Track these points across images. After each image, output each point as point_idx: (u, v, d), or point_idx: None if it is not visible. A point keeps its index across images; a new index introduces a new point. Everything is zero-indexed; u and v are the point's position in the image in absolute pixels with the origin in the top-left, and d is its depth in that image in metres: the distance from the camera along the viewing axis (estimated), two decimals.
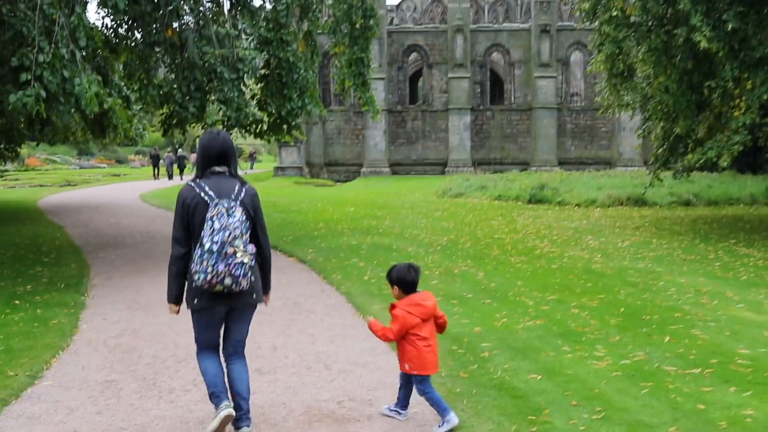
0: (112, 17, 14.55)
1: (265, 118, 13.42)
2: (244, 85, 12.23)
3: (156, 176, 46.64)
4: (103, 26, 15.92)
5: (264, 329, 7.62)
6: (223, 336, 4.93)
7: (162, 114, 14.76)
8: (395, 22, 50.83)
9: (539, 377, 5.91)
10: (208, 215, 4.54)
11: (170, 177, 46.71)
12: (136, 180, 44.21)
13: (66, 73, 8.91)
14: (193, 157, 51.86)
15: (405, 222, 17.62)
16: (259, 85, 14.36)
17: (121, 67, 18.61)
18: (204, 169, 4.79)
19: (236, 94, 11.88)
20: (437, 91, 50.93)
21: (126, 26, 13.41)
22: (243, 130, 13.72)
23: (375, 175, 48.06)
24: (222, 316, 4.80)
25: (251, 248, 4.63)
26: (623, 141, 49.46)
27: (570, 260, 12.03)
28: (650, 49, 14.54)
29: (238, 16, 13.19)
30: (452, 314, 8.10)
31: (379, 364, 6.41)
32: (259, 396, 5.56)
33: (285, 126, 14.06)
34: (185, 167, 47.99)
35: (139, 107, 19.31)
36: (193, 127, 14.02)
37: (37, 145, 23.38)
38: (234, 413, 4.69)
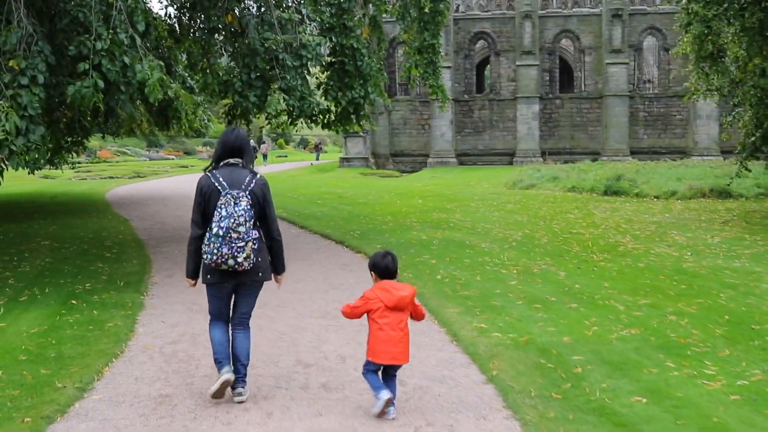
0: (175, 6, 14.27)
1: (332, 108, 12.79)
2: (308, 73, 11.62)
3: None
4: (166, 15, 15.67)
5: (330, 336, 7.04)
6: (232, 309, 5.51)
7: (226, 105, 14.35)
8: (461, 10, 49.76)
9: (644, 400, 5.15)
10: (218, 203, 5.15)
11: None
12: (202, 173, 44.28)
13: (126, 60, 8.41)
14: (264, 147, 52.00)
15: (476, 215, 16.88)
16: (325, 73, 13.82)
17: (184, 57, 18.40)
18: (220, 160, 5.39)
19: (299, 82, 11.30)
20: (505, 79, 49.80)
21: (188, 14, 13.01)
22: (309, 121, 13.15)
23: (441, 165, 47.29)
24: (230, 291, 5.41)
25: (254, 234, 5.21)
26: (699, 129, 47.63)
27: (657, 258, 11.14)
28: (743, 29, 13.46)
29: (301, 1, 12.62)
30: (536, 320, 7.39)
31: (458, 380, 5.75)
32: (325, 419, 4.96)
33: (353, 116, 13.46)
34: (255, 158, 48.16)
35: (201, 98, 19.11)
36: (258, 117, 13.52)
37: (103, 137, 23.28)
38: (233, 377, 5.26)
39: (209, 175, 5.33)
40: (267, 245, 5.45)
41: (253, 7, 11.50)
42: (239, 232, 5.08)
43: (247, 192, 5.21)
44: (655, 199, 20.71)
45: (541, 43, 48.76)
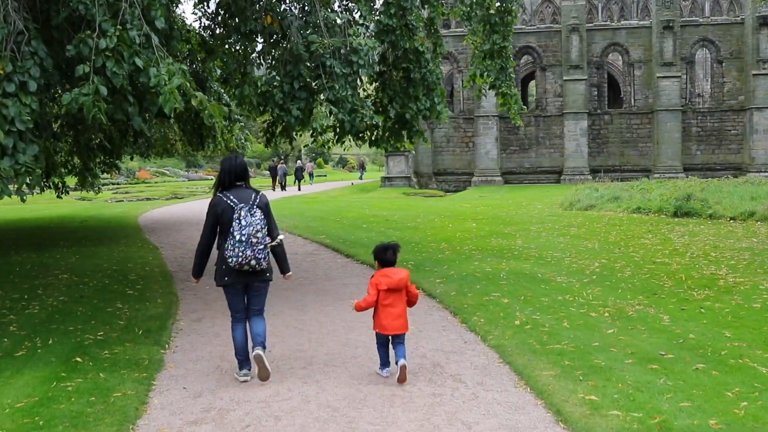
0: (208, 12, 12.93)
1: (380, 122, 11.20)
2: (360, 81, 10.08)
3: (276, 187, 45.82)
4: (200, 28, 14.39)
5: (397, 413, 5.42)
6: (246, 308, 6.50)
7: (264, 122, 12.93)
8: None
9: None
10: (235, 215, 6.12)
11: (283, 188, 45.89)
12: None
13: (139, 62, 6.90)
14: (310, 166, 50.53)
15: (539, 241, 15.19)
16: (373, 84, 12.31)
17: (218, 71, 17.03)
18: (227, 183, 6.35)
19: (349, 92, 9.77)
20: (551, 94, 48.07)
21: (222, 19, 11.62)
22: (356, 138, 11.64)
23: (486, 184, 45.62)
24: (243, 289, 6.40)
25: (268, 239, 6.22)
26: (756, 144, 45.41)
27: None
28: None
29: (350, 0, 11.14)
30: (660, 390, 5.70)
31: None
32: None
33: (405, 131, 11.94)
34: (302, 178, 47.15)
35: (238, 112, 17.70)
36: (300, 135, 12.03)
37: (131, 158, 22.07)
38: (248, 378, 6.29)
39: (221, 195, 6.29)
40: (271, 250, 6.37)
41: (295, 7, 9.96)
42: (258, 237, 6.12)
43: (256, 205, 6.26)
44: (731, 221, 18.80)
45: (588, 57, 47.00)
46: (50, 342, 7.59)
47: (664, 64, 45.90)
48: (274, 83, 9.84)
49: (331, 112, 9.82)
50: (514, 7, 12.65)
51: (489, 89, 14.14)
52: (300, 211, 25.19)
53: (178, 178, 68.87)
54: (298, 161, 55.38)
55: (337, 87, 9.62)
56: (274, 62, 10.33)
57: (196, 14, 15.86)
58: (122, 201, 40.52)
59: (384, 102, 12.00)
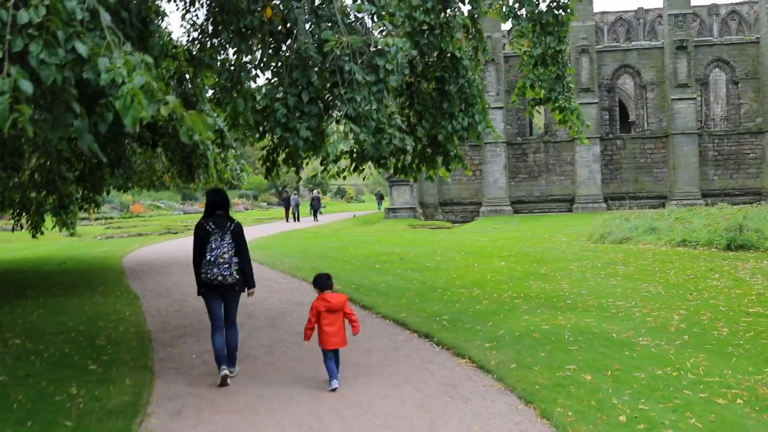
0: (198, 25, 10.80)
1: (408, 145, 8.76)
2: (387, 91, 7.76)
3: (290, 218, 45.00)
4: (188, 41, 12.27)
5: None
6: (223, 314, 7.74)
7: (264, 148, 10.65)
8: (507, 49, 46.09)
9: None
10: (211, 239, 7.45)
11: (296, 219, 44.98)
12: None
13: (81, 48, 4.62)
14: (318, 199, 49.04)
15: (588, 284, 12.84)
16: (397, 99, 10.06)
17: (209, 92, 14.87)
18: (210, 212, 7.65)
19: (374, 106, 7.48)
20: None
21: (212, 21, 9.38)
22: (378, 165, 9.36)
23: (495, 214, 43.33)
24: (219, 299, 7.67)
25: (235, 260, 7.51)
26: None
27: None
28: None
29: None
30: None
31: None
32: None
33: (440, 156, 9.68)
34: (319, 208, 45.94)
35: (231, 136, 15.49)
36: (308, 162, 9.76)
37: (108, 193, 19.73)
38: (228, 373, 7.53)
39: (203, 221, 7.61)
40: (241, 268, 7.65)
41: None
42: (224, 258, 7.42)
43: (228, 232, 7.55)
44: None
45: (599, 80, 44.93)
46: None
47: (678, 85, 43.90)
48: (277, 95, 7.52)
49: (351, 132, 7.47)
50: (569, 2, 10.42)
51: (543, 104, 11.91)
52: (302, 248, 22.82)
53: (173, 212, 66.61)
54: (314, 191, 53.64)
55: (358, 99, 7.31)
56: (276, 68, 8.01)
57: (184, 27, 13.60)
58: (112, 237, 38.23)
59: (412, 120, 9.75)
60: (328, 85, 7.51)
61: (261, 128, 7.91)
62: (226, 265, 7.38)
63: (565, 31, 10.63)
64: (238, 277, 7.52)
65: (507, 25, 47.84)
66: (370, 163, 9.28)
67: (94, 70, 4.75)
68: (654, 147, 45.61)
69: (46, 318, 11.47)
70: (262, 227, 38.81)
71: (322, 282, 7.40)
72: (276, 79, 7.91)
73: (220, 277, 7.37)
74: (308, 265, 17.50)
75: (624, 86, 55.17)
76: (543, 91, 11.30)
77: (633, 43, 48.85)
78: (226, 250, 7.38)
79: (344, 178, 9.85)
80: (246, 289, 7.78)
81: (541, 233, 26.28)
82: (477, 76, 9.53)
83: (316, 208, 46.36)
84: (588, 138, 43.24)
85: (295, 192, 57.49)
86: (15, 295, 14.28)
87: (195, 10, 13.81)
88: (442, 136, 9.38)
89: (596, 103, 44.17)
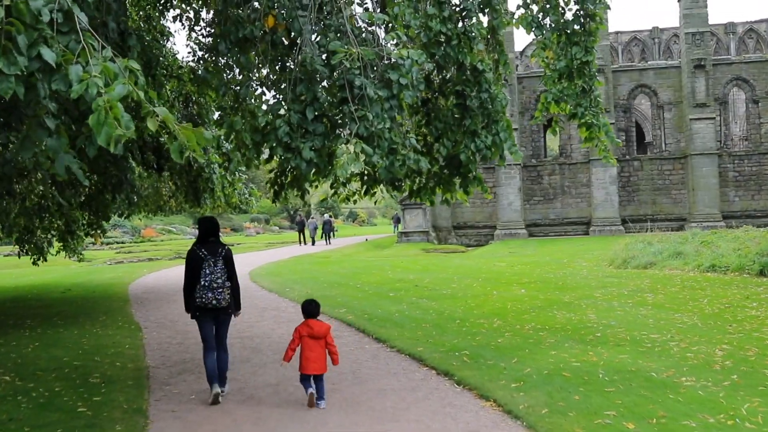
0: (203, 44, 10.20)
1: (423, 167, 8.01)
2: (401, 108, 7.07)
3: (304, 241, 45.27)
4: (194, 60, 11.76)
5: None
6: (214, 336, 8.05)
7: (271, 171, 9.99)
8: (519, 70, 45.46)
9: None
10: (203, 265, 7.76)
11: (313, 243, 44.98)
12: (250, 251, 40.23)
13: (47, 54, 3.89)
14: (331, 222, 48.81)
15: (617, 314, 12.04)
16: (412, 117, 9.39)
17: (216, 114, 14.29)
18: (203, 239, 7.99)
19: (388, 125, 6.79)
20: (576, 140, 45.14)
21: (213, 32, 8.74)
22: (391, 188, 8.68)
23: (510, 237, 42.49)
24: (212, 322, 7.98)
25: (227, 284, 7.86)
26: None
27: None
28: None
29: None
30: None
31: None
32: None
33: (458, 178, 8.97)
34: (333, 232, 45.82)
35: (237, 162, 14.86)
36: (316, 186, 9.07)
37: (107, 220, 19.10)
38: (220, 390, 7.83)
39: (196, 248, 7.92)
40: (231, 292, 7.99)
41: (309, 4, 6.90)
42: (218, 283, 7.77)
43: (220, 258, 7.86)
44: None
45: (615, 100, 44.21)
46: None
47: (696, 105, 43.13)
48: (279, 111, 6.83)
49: (362, 153, 6.74)
50: (598, 10, 9.71)
51: (568, 120, 11.20)
52: (313, 274, 22.08)
53: (184, 236, 66.20)
54: (324, 215, 53.35)
55: (370, 117, 6.62)
56: (278, 82, 7.33)
57: (188, 46, 12.98)
58: (122, 262, 37.75)
59: (429, 139, 9.06)
60: (336, 101, 6.81)
61: (262, 149, 7.22)
62: (220, 290, 7.76)
63: (593, 41, 9.91)
64: (229, 301, 7.92)
65: (519, 46, 47.28)
66: (382, 186, 8.62)
67: (64, 81, 4.08)
68: (672, 168, 44.76)
69: (40, 352, 10.78)
70: (273, 252, 38.17)
71: (310, 309, 7.67)
72: (278, 94, 7.22)
73: (214, 301, 7.75)
74: (319, 293, 16.78)
75: (639, 106, 54.47)
76: (569, 106, 10.57)
77: (649, 62, 48.17)
78: (219, 275, 7.76)
79: (354, 202, 9.16)
80: (234, 311, 8.15)
81: (560, 258, 25.47)
82: (500, 91, 8.83)
83: (328, 231, 45.96)
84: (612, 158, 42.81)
85: (312, 217, 57.26)
86: (13, 326, 13.63)
87: (200, 29, 13.30)
88: (464, 156, 8.65)
89: (613, 123, 43.31)
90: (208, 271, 7.69)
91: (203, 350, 7.99)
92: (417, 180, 9.16)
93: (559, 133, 45.76)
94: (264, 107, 7.07)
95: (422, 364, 9.18)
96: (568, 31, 9.73)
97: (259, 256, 33.81)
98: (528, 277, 18.53)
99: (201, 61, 10.59)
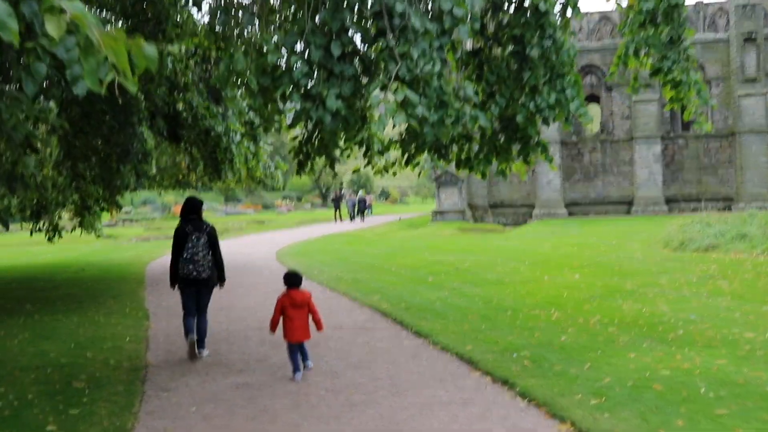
0: None
1: (484, 124, 6.37)
2: (453, 48, 5.45)
3: (340, 218, 44.54)
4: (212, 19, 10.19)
5: None
6: (196, 304, 8.64)
7: (295, 138, 8.48)
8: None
9: None
10: (188, 239, 8.36)
11: (351, 218, 44.66)
12: (281, 228, 38.85)
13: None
14: (369, 198, 47.60)
15: (692, 306, 10.37)
16: (461, 70, 7.78)
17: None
18: (187, 215, 8.58)
19: (438, 68, 5.20)
20: (618, 117, 43.24)
21: None
22: (438, 156, 7.10)
23: (549, 217, 40.71)
24: (194, 293, 8.59)
25: (208, 258, 8.44)
26: None
27: None
28: None
29: None
30: None
31: None
32: None
33: (518, 144, 7.36)
34: (365, 210, 46.23)
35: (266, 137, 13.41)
36: (348, 155, 7.52)
37: (119, 194, 17.69)
38: (195, 339, 8.53)
39: (182, 224, 8.51)
40: (215, 265, 8.58)
41: None
42: (199, 257, 8.36)
43: (203, 234, 8.45)
44: None
45: None
46: None
47: (746, 80, 40.92)
48: (295, 47, 5.22)
49: (401, 107, 5.11)
50: None
51: (651, 76, 9.53)
52: (344, 255, 20.56)
53: (216, 213, 64.90)
54: (359, 193, 52.19)
55: (415, 56, 5.02)
56: (294, 10, 5.74)
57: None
58: (148, 239, 36.64)
59: (480, 97, 7.42)
60: (371, 33, 5.21)
61: (274, 96, 5.63)
62: (201, 263, 8.35)
63: None
64: (210, 273, 8.51)
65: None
66: (427, 153, 7.04)
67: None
68: (719, 146, 42.60)
69: (27, 346, 9.37)
70: (304, 230, 36.76)
71: (291, 280, 7.80)
72: (293, 26, 5.59)
73: (195, 273, 8.36)
74: (350, 276, 15.31)
75: None
76: (650, 60, 8.89)
77: (696, 36, 45.81)
78: (200, 249, 8.34)
79: (394, 174, 7.60)
80: (218, 282, 8.77)
81: (608, 239, 23.70)
82: (567, 40, 7.20)
83: (362, 209, 45.15)
84: (646, 137, 40.74)
85: (353, 192, 56.23)
86: (9, 311, 12.31)
87: None
88: (521, 117, 7.04)
89: (656, 100, 41.26)
90: (190, 245, 8.30)
91: (183, 315, 8.63)
92: (467, 147, 7.55)
93: (601, 109, 43.82)
94: (275, 39, 5.38)
95: (473, 367, 7.61)
96: None
97: (289, 235, 32.38)
98: (578, 260, 16.84)
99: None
